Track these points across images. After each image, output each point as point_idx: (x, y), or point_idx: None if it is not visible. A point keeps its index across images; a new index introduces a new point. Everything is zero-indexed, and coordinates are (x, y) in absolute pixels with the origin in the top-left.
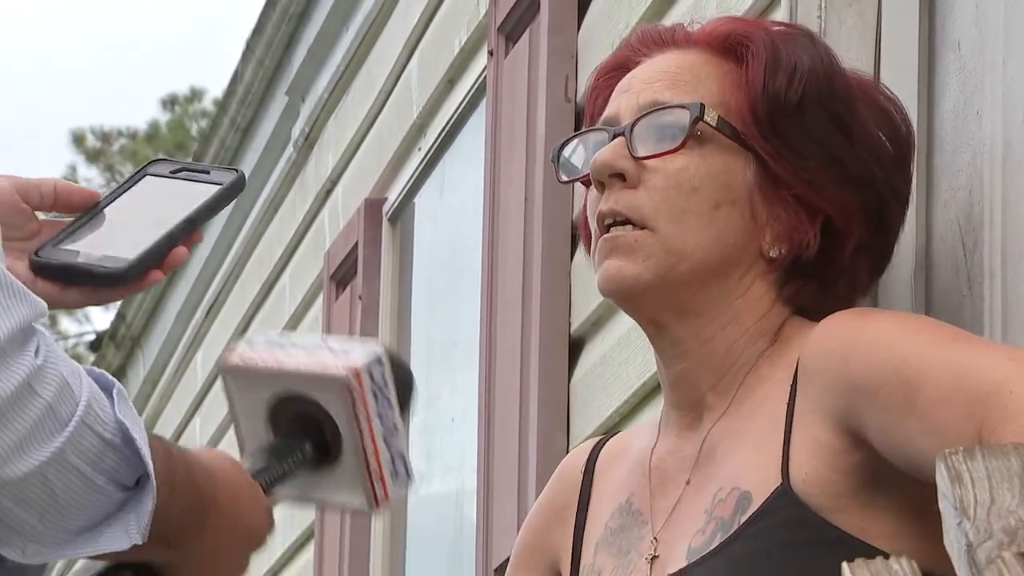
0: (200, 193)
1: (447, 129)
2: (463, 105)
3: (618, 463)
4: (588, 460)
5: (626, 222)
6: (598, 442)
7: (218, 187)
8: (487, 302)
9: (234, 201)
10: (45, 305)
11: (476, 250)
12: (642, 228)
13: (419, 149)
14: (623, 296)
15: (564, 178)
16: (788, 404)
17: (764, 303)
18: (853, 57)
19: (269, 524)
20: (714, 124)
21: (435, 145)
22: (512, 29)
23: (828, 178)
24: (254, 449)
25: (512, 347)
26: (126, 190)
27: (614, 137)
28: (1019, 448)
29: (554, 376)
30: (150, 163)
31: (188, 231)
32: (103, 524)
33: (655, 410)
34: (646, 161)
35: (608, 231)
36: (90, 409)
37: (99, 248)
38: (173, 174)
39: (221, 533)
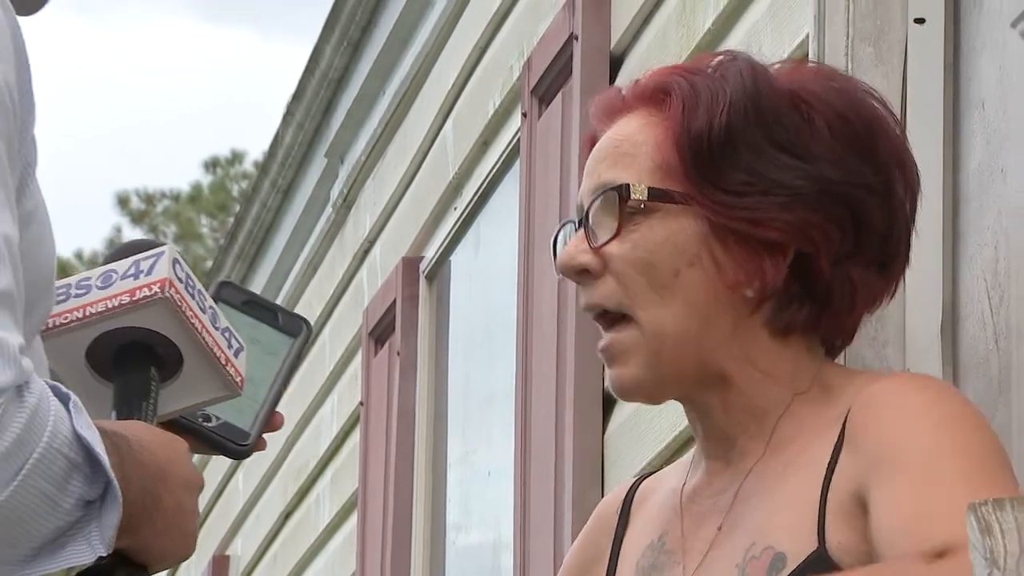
0: (277, 345)
1: (482, 189)
2: (497, 166)
3: (653, 501)
4: (624, 500)
5: (611, 314)
6: (635, 482)
7: (292, 341)
8: (522, 358)
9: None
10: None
11: (511, 307)
12: (622, 317)
13: (455, 209)
14: (637, 397)
15: (560, 276)
16: (830, 461)
17: (768, 342)
18: None
19: (197, 472)
20: (644, 198)
21: (470, 205)
22: (545, 91)
23: (771, 207)
24: (97, 403)
25: (547, 401)
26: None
27: (580, 227)
28: None
29: (588, 430)
30: (221, 286)
31: (280, 397)
32: (65, 538)
33: (684, 457)
34: (602, 249)
35: (604, 327)
36: (56, 431)
37: (215, 409)
38: (244, 306)
39: (171, 498)
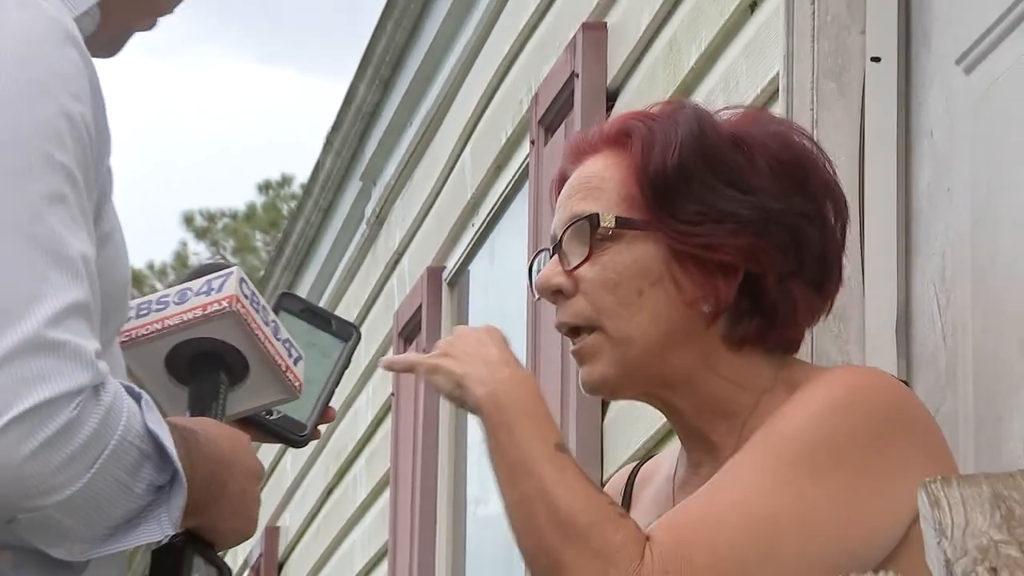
0: (331, 348)
1: (496, 207)
2: (509, 187)
3: (648, 485)
4: (627, 484)
5: (580, 328)
6: (635, 467)
7: (344, 345)
8: (531, 355)
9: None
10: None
11: (522, 311)
12: (592, 330)
13: (472, 225)
14: (602, 393)
15: (537, 296)
16: None
17: (725, 352)
18: (841, 143)
19: (259, 462)
20: (612, 226)
21: (486, 221)
22: (551, 122)
23: (723, 233)
24: (174, 404)
25: (553, 393)
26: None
27: (553, 253)
28: (989, 477)
29: (589, 418)
30: (282, 297)
31: (331, 394)
32: (138, 519)
33: (675, 442)
34: (575, 272)
35: (572, 339)
36: (129, 426)
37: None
38: (302, 314)
39: (236, 483)
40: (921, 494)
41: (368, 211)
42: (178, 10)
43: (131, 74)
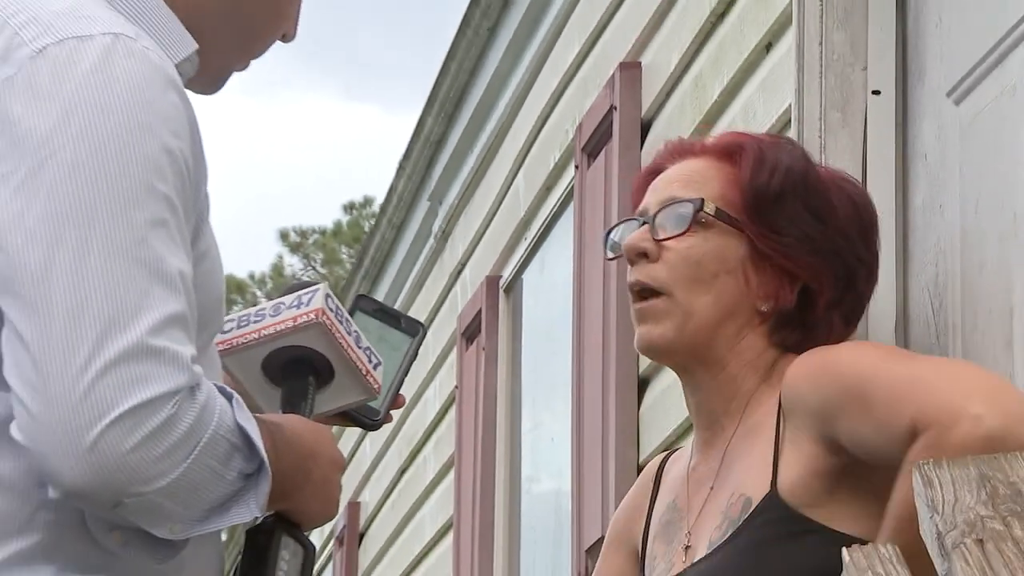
0: (400, 343)
1: (545, 223)
2: (557, 205)
3: (672, 473)
4: (658, 471)
5: (650, 290)
6: (666, 456)
7: (411, 340)
8: (576, 352)
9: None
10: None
11: (568, 314)
12: (660, 294)
13: (525, 239)
14: (653, 352)
15: (610, 255)
16: (776, 428)
17: (759, 345)
18: (846, 166)
19: (341, 454)
20: (712, 213)
21: (537, 236)
22: (592, 149)
23: (802, 251)
24: (269, 403)
25: (595, 385)
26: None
27: (642, 225)
28: (976, 459)
29: (627, 406)
30: (358, 298)
31: (402, 382)
32: (231, 501)
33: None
34: (663, 242)
35: (637, 299)
36: (221, 421)
37: None
38: (375, 314)
39: (319, 472)
40: (915, 475)
41: (435, 227)
42: (271, 53)
43: (231, 110)
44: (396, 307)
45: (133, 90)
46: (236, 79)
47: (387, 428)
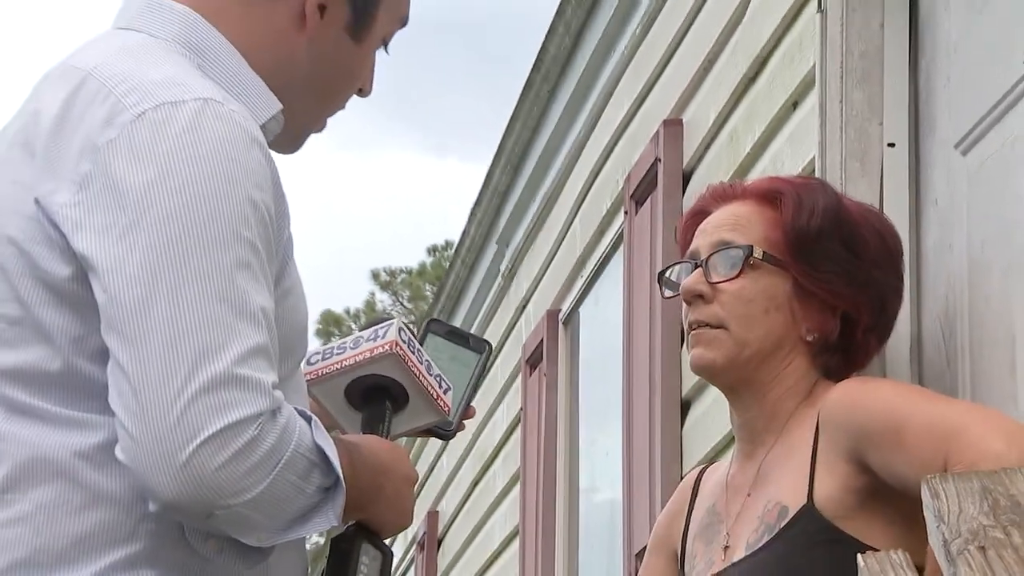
0: (469, 360)
1: (599, 263)
2: (609, 247)
3: (710, 481)
4: (696, 481)
5: (709, 324)
6: (702, 469)
7: (479, 357)
8: (626, 378)
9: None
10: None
11: (619, 343)
12: (718, 327)
13: (581, 276)
14: (706, 373)
15: (667, 294)
16: (813, 444)
17: (801, 371)
18: None
19: (414, 470)
20: (760, 257)
21: (591, 274)
22: (640, 196)
23: (841, 284)
24: (352, 425)
25: (643, 407)
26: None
27: (695, 267)
28: (979, 474)
29: (671, 426)
30: (431, 322)
31: (473, 395)
32: (311, 513)
33: (730, 451)
34: (717, 284)
35: (693, 329)
36: (300, 441)
37: None
38: (446, 335)
39: (393, 486)
40: (924, 488)
41: (502, 267)
42: (365, 113)
43: (331, 165)
44: (492, 351)
45: (220, 148)
46: (334, 137)
47: (461, 444)
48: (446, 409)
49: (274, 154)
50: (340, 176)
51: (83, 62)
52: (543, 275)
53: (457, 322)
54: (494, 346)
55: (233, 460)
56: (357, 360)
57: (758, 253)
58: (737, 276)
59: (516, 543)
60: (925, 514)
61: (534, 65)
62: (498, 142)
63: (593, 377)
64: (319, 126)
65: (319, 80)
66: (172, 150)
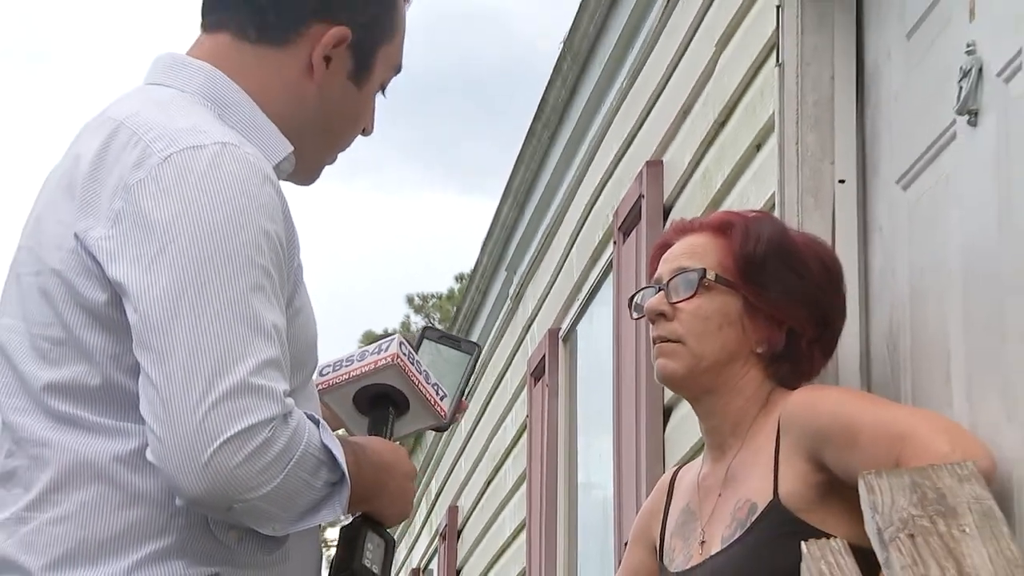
0: (461, 360)
1: (592, 287)
2: (601, 273)
3: (684, 482)
4: (671, 481)
5: (669, 339)
6: (676, 470)
7: (469, 357)
8: (616, 388)
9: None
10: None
11: (610, 354)
12: (677, 342)
13: (577, 300)
14: (668, 382)
15: (635, 316)
16: (775, 447)
17: (757, 380)
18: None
19: (413, 466)
20: (714, 279)
21: (586, 297)
22: (626, 228)
23: (786, 302)
24: (359, 429)
25: (631, 413)
26: (420, 352)
27: (658, 291)
28: (910, 470)
29: (655, 430)
30: (424, 329)
31: (464, 392)
32: (320, 505)
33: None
34: (676, 304)
35: (656, 344)
36: (309, 442)
37: None
38: (439, 340)
39: (395, 482)
40: (861, 483)
41: (510, 291)
42: (405, 160)
43: (373, 205)
44: (482, 355)
45: (236, 186)
46: (375, 182)
47: (476, 448)
48: (442, 413)
49: (324, 196)
50: (381, 216)
51: (117, 113)
52: (545, 298)
53: (473, 339)
54: (504, 360)
55: (249, 459)
56: (363, 371)
57: (711, 276)
58: (693, 296)
59: (524, 534)
60: (863, 506)
61: (535, 115)
62: (505, 182)
63: (589, 388)
64: (330, 161)
65: (327, 122)
66: (194, 188)
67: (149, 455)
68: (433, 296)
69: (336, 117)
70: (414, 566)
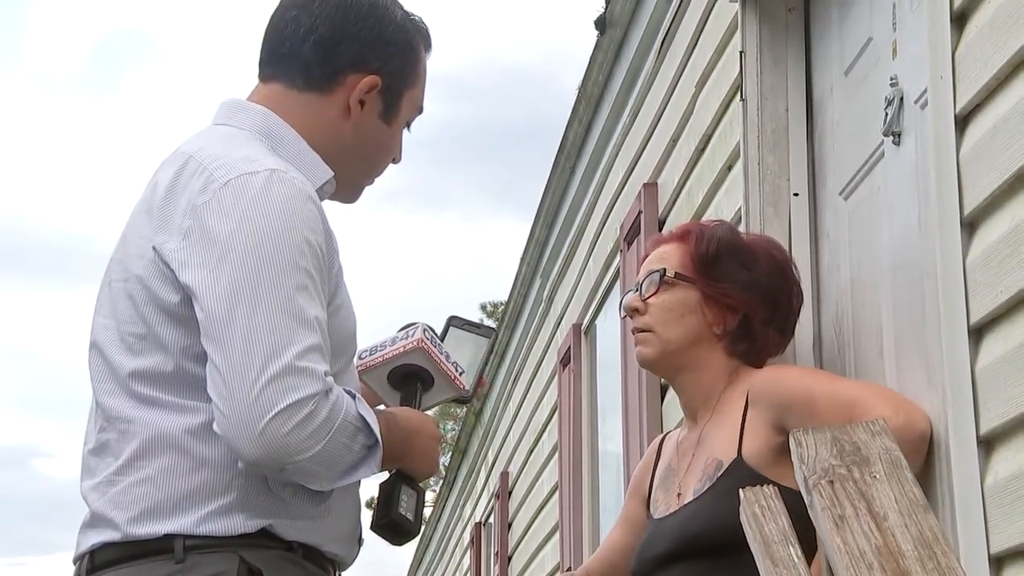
0: (481, 343)
1: (606, 289)
2: (612, 276)
3: (668, 444)
4: (660, 444)
5: (643, 329)
6: (664, 436)
7: (487, 339)
8: (623, 372)
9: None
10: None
11: (619, 344)
12: (647, 331)
13: (595, 299)
14: (644, 365)
15: (621, 315)
16: (742, 414)
17: (722, 359)
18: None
19: (439, 430)
20: (673, 276)
21: (601, 297)
22: (630, 239)
23: (736, 290)
24: (393, 402)
25: (635, 392)
26: (446, 337)
27: (636, 290)
28: (832, 428)
29: (653, 406)
30: (452, 318)
31: (483, 369)
32: (358, 464)
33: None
34: (646, 300)
35: (634, 334)
36: (347, 412)
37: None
38: (462, 327)
39: (422, 443)
40: (791, 439)
41: (544, 295)
42: (476, 196)
43: (457, 234)
44: (521, 351)
45: (283, 204)
46: (460, 215)
47: (520, 424)
48: (462, 387)
49: (419, 226)
50: (462, 240)
51: (188, 148)
52: (571, 298)
53: (515, 335)
54: (540, 351)
55: (297, 428)
56: (394, 354)
57: (671, 273)
58: (657, 292)
59: (557, 494)
60: (792, 458)
61: (558, 149)
62: (536, 205)
63: (606, 372)
64: (368, 183)
65: (362, 153)
66: (249, 207)
67: (215, 427)
68: (501, 303)
69: (370, 149)
70: (477, 520)
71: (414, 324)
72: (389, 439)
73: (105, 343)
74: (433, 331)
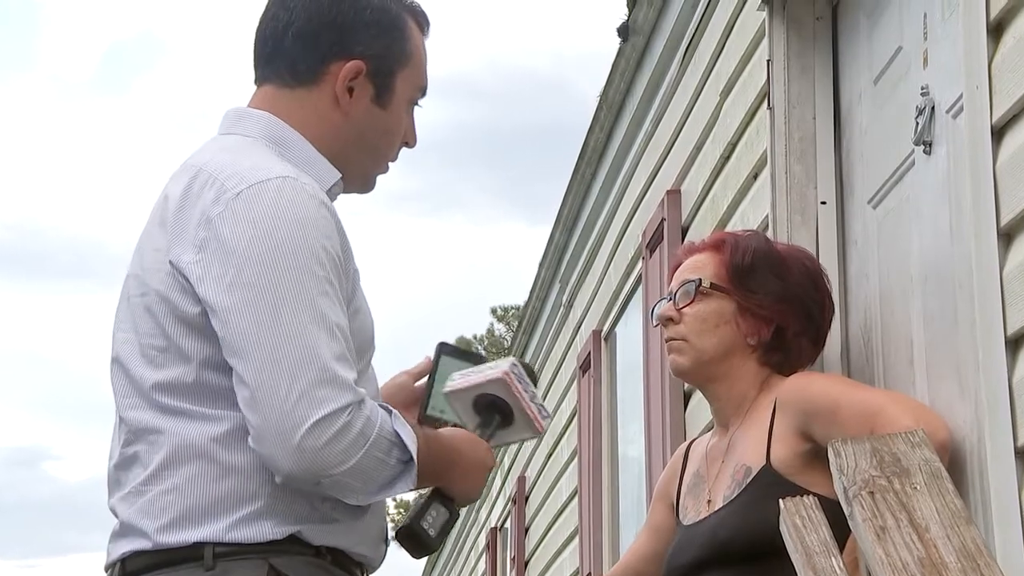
0: (476, 371)
1: (627, 296)
2: (633, 283)
3: (696, 451)
4: (686, 450)
5: (677, 339)
6: (690, 442)
7: (474, 365)
8: (646, 378)
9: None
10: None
11: (639, 351)
12: (682, 340)
13: (615, 306)
14: (678, 375)
15: (655, 323)
16: (770, 422)
17: (754, 368)
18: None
19: (492, 458)
20: (708, 287)
21: (623, 304)
22: (653, 246)
23: (771, 302)
24: (473, 427)
25: (658, 399)
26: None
27: (669, 300)
28: (871, 438)
29: (677, 411)
30: (442, 345)
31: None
32: (395, 480)
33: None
34: (681, 309)
35: (667, 343)
36: (382, 427)
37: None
38: (452, 352)
39: (464, 465)
40: (830, 449)
41: (563, 300)
42: (484, 198)
43: (464, 238)
44: (539, 358)
45: (297, 212)
46: (467, 218)
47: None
48: (541, 430)
49: (426, 228)
50: (471, 243)
51: (196, 160)
52: (591, 304)
53: (535, 343)
54: (558, 357)
55: (332, 441)
56: (479, 381)
57: (706, 284)
58: (692, 302)
59: (576, 499)
60: (831, 469)
61: (579, 155)
62: (557, 211)
63: (626, 377)
64: (381, 171)
65: (363, 141)
66: (263, 216)
67: (251, 442)
68: (513, 308)
69: (370, 136)
70: (492, 525)
71: (506, 358)
72: (427, 457)
73: (127, 357)
74: (525, 367)
